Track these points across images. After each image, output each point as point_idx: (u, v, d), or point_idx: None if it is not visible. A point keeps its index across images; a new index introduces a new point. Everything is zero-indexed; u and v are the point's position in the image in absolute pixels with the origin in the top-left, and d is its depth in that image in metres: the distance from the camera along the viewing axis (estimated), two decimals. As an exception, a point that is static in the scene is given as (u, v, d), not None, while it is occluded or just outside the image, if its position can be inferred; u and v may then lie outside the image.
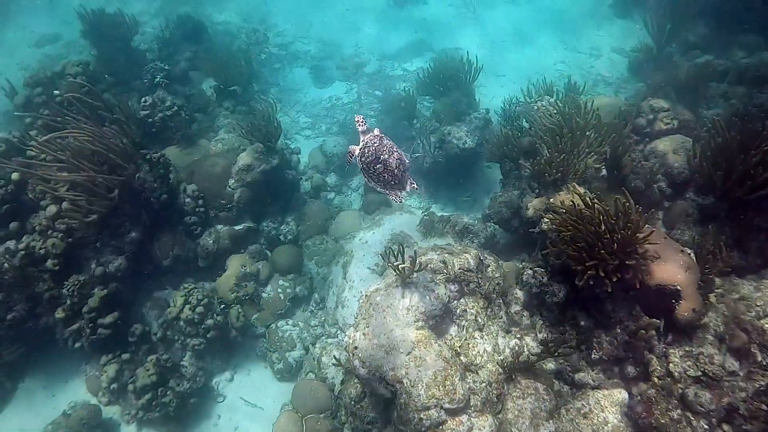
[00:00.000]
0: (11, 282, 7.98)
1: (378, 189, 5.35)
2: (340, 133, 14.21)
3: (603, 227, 5.48)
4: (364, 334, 5.88)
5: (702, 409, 5.24)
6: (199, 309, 8.59)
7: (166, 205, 9.19)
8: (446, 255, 6.43)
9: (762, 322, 5.55)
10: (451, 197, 11.87)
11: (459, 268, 6.25)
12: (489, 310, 6.24)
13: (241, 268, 9.44)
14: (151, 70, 12.19)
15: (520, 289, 6.71)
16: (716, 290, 5.93)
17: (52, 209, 7.95)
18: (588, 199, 5.90)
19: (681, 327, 5.61)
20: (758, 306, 5.73)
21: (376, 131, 5.43)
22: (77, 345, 8.21)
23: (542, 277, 6.35)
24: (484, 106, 12.47)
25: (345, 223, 10.64)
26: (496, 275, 6.69)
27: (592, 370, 5.90)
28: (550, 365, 6.11)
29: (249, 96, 13.73)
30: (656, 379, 5.55)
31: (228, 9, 19.68)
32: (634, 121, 8.46)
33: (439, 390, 5.37)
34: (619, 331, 5.72)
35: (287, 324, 9.25)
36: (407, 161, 5.36)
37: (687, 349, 5.57)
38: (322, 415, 7.96)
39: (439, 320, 5.89)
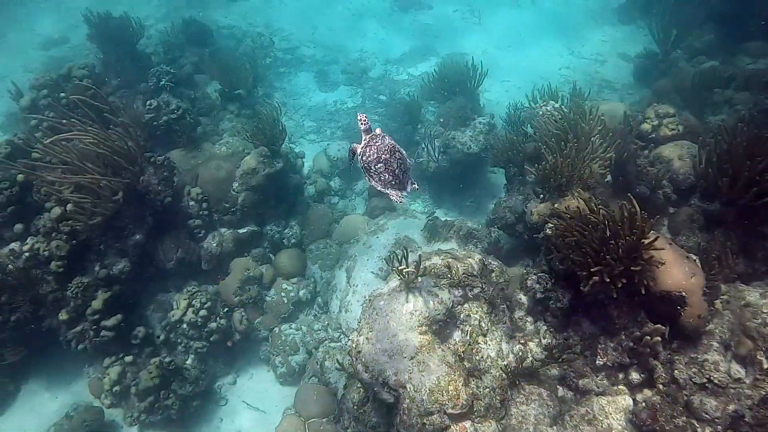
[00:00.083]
0: (15, 283, 7.98)
1: (378, 188, 5.33)
2: (345, 138, 14.21)
3: (608, 233, 5.46)
4: (367, 338, 5.87)
5: (707, 416, 5.22)
6: (203, 312, 8.60)
7: (170, 208, 9.18)
8: (450, 260, 6.41)
9: (768, 329, 5.54)
10: (456, 202, 11.86)
11: (463, 273, 6.23)
12: (493, 315, 6.22)
13: (245, 272, 9.43)
14: (157, 74, 12.20)
15: (524, 295, 6.69)
16: (722, 297, 5.90)
17: (57, 211, 7.95)
18: (593, 204, 5.88)
19: (686, 333, 5.58)
20: (764, 313, 5.72)
21: (378, 131, 5.42)
22: (80, 347, 8.21)
23: (546, 283, 6.33)
24: (489, 110, 12.47)
25: (349, 227, 10.63)
26: (500, 280, 6.69)
27: (597, 377, 5.87)
28: (554, 371, 6.08)
29: (254, 100, 13.73)
30: (661, 386, 5.53)
31: (233, 13, 19.75)
32: (639, 127, 8.44)
33: (443, 395, 5.35)
34: (623, 337, 5.71)
35: (290, 328, 9.25)
36: (408, 161, 5.35)
37: (692, 355, 5.54)
38: (324, 420, 7.94)
39: (442, 325, 5.87)
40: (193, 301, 8.63)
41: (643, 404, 5.49)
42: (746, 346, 5.54)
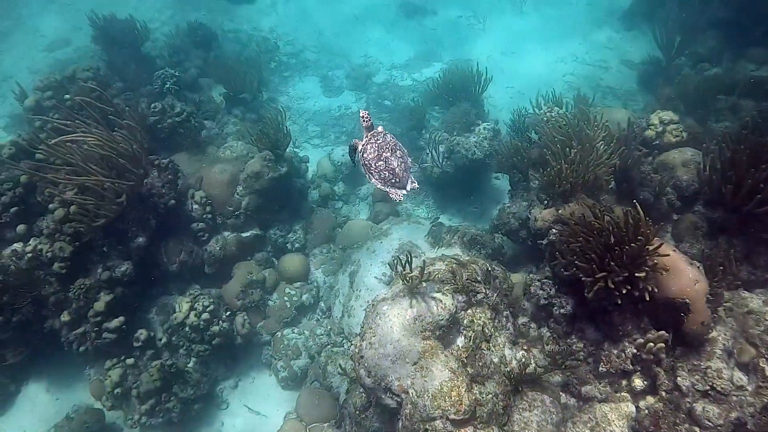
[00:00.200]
0: (18, 284, 7.98)
1: (378, 186, 5.34)
2: (349, 143, 14.19)
3: (613, 239, 5.46)
4: (370, 343, 5.85)
5: (710, 423, 5.20)
6: (205, 315, 8.58)
7: (174, 211, 9.19)
8: (454, 265, 6.41)
9: (771, 336, 5.54)
10: (460, 208, 11.86)
11: (467, 279, 6.22)
12: (496, 321, 6.20)
13: (248, 276, 9.42)
14: (162, 77, 12.24)
15: (528, 301, 6.68)
16: (725, 304, 5.90)
17: (60, 213, 7.95)
18: (598, 210, 5.88)
19: (689, 340, 5.58)
20: (767, 320, 5.70)
21: (380, 128, 5.42)
22: (82, 349, 8.20)
23: (550, 289, 6.33)
24: (493, 116, 12.49)
25: (352, 232, 10.63)
26: (504, 286, 6.67)
27: (600, 383, 5.85)
28: (557, 377, 6.07)
29: (258, 104, 13.79)
30: (664, 393, 5.52)
31: (238, 17, 19.80)
32: (643, 134, 8.44)
33: (445, 401, 5.34)
34: (626, 344, 5.69)
35: (293, 332, 9.25)
36: (410, 160, 5.35)
37: (695, 362, 5.54)
38: (326, 425, 7.94)
39: (446, 330, 5.86)
40: (196, 304, 8.62)
41: (646, 411, 5.47)
42: (749, 354, 5.53)
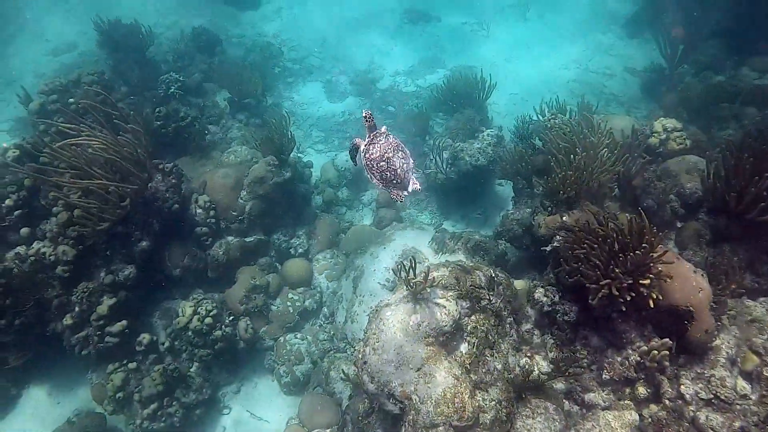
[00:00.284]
0: (21, 287, 7.98)
1: (380, 186, 5.32)
2: (351, 141, 14.19)
3: (617, 246, 5.45)
4: (373, 348, 5.84)
5: (714, 432, 5.20)
6: (208, 320, 8.58)
7: (178, 216, 9.20)
8: (458, 271, 6.40)
9: (775, 345, 5.52)
10: (463, 214, 11.84)
11: (470, 285, 6.21)
12: (500, 327, 6.19)
13: (251, 280, 9.43)
14: (166, 81, 12.28)
15: (531, 308, 6.67)
16: (729, 312, 5.89)
17: (64, 216, 7.96)
18: (602, 217, 5.88)
19: (693, 348, 5.58)
20: (771, 329, 5.70)
21: (383, 128, 5.41)
22: (84, 352, 8.21)
23: (554, 296, 6.32)
24: (497, 123, 12.49)
25: (356, 237, 10.63)
26: (507, 293, 6.66)
27: (603, 391, 5.84)
28: (560, 385, 6.06)
29: (262, 109, 13.81)
30: (667, 401, 5.51)
31: (243, 23, 19.88)
32: (646, 141, 8.45)
33: (448, 407, 5.32)
34: (630, 351, 5.68)
35: (296, 337, 9.24)
36: (412, 161, 5.33)
37: (699, 371, 5.53)
38: (328, 430, 7.92)
39: (449, 337, 5.84)
40: (199, 309, 8.62)
41: (649, 419, 5.46)
42: (752, 362, 5.52)
